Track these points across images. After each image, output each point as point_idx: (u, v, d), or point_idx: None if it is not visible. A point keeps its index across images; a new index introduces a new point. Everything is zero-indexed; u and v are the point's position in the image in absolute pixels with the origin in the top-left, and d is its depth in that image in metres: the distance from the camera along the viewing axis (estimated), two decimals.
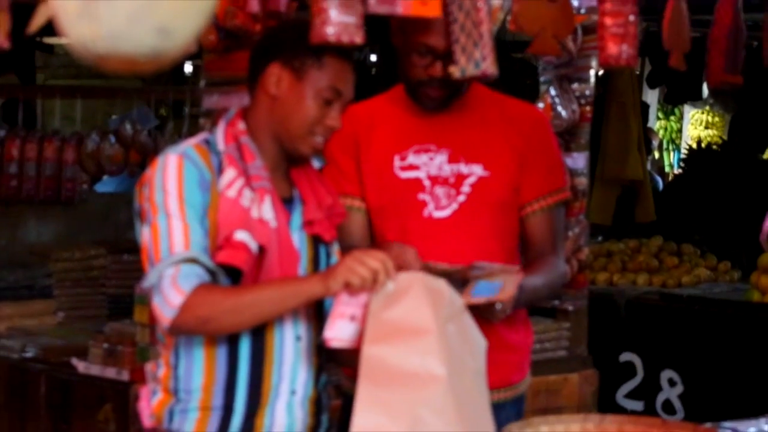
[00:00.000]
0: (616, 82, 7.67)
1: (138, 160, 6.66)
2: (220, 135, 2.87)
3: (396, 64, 3.32)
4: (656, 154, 13.30)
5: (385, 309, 2.63)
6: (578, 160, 4.73)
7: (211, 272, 2.74)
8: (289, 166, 2.94)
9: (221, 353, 2.81)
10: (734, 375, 6.13)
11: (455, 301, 2.76)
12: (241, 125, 2.88)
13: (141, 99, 7.43)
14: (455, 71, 3.10)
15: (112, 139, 6.66)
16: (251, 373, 2.82)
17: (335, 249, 2.99)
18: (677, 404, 6.36)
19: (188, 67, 10.01)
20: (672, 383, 6.38)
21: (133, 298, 4.52)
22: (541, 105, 4.65)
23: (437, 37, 3.15)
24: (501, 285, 3.01)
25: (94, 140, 6.62)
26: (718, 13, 3.81)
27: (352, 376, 2.67)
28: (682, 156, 10.06)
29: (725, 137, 11.43)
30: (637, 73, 8.77)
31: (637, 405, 6.48)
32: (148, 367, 2.94)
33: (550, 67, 4.76)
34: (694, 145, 9.95)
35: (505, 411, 3.28)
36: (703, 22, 4.52)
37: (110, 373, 4.59)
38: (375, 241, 3.33)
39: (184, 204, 2.74)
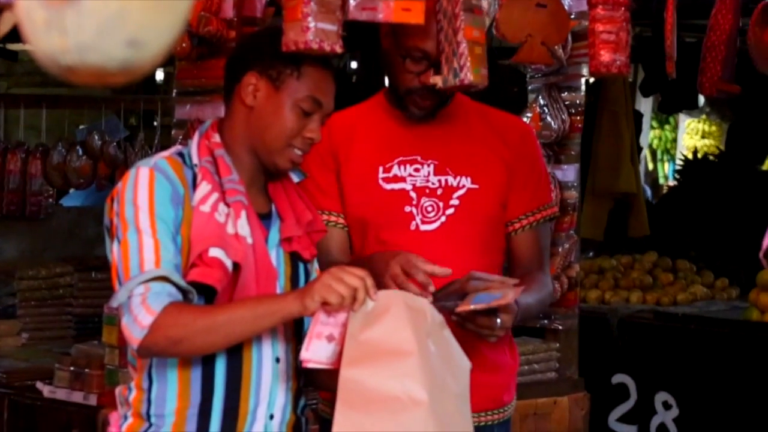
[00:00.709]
0: (607, 90, 7.58)
1: (107, 173, 6.48)
2: (194, 147, 2.79)
3: (378, 71, 3.21)
4: (650, 165, 13.21)
5: (365, 329, 2.55)
6: (568, 173, 4.63)
7: (183, 291, 2.64)
8: (266, 180, 2.86)
9: (195, 376, 2.71)
10: (732, 398, 6.00)
11: (436, 319, 2.68)
12: (216, 137, 2.80)
13: (110, 109, 7.23)
14: (438, 81, 3.00)
15: (80, 150, 6.44)
16: (227, 396, 2.72)
17: (315, 267, 2.91)
18: (672, 428, 6.23)
19: (159, 75, 9.83)
20: (667, 406, 6.24)
21: (102, 318, 4.37)
22: (529, 115, 4.56)
23: (434, 42, 3.04)
24: (500, 297, 2.93)
25: (61, 152, 6.43)
26: (716, 18, 3.69)
27: (330, 399, 2.59)
28: (677, 167, 9.97)
29: (723, 147, 11.33)
30: (630, 80, 8.66)
31: (631, 429, 6.36)
32: (118, 390, 2.84)
33: (539, 75, 4.68)
34: (690, 156, 9.85)
35: None
36: (698, 27, 4.39)
37: (77, 397, 4.45)
38: (354, 256, 3.23)
39: (156, 219, 2.65)
